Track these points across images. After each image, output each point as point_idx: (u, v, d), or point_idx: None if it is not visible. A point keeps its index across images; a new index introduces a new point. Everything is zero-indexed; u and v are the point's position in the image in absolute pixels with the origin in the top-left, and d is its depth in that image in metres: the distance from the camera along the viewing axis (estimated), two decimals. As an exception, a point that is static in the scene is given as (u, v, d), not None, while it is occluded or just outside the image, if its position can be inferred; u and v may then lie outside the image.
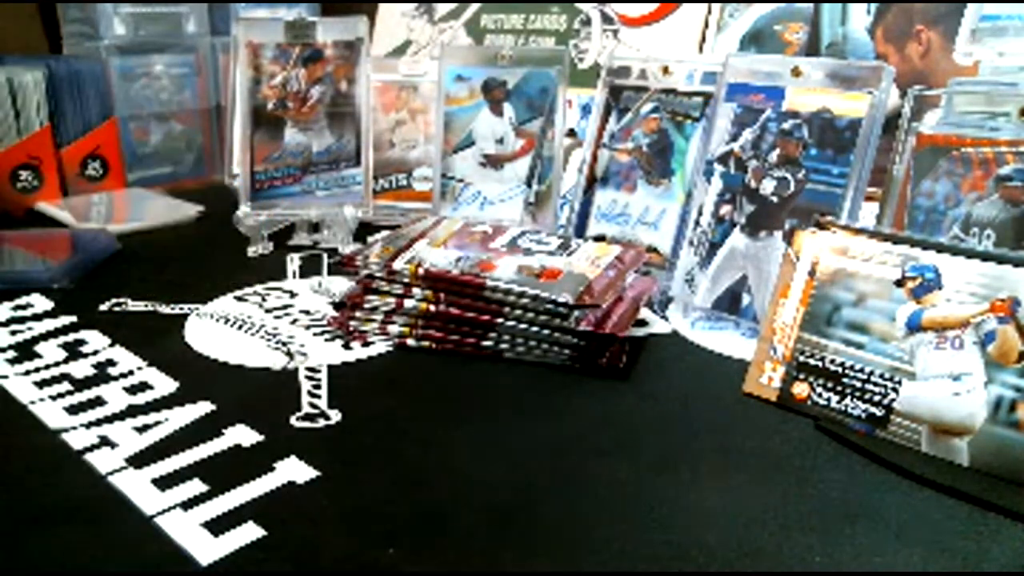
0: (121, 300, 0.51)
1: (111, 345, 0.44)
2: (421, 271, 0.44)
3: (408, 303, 0.44)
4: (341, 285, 0.53)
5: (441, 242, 0.48)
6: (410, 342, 0.45)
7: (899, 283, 0.37)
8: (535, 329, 0.43)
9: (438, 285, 0.44)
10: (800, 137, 0.46)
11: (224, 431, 0.36)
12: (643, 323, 0.49)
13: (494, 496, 0.32)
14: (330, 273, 0.56)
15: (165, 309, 0.50)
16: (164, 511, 0.30)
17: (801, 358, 0.39)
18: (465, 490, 0.33)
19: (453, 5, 0.85)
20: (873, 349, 0.37)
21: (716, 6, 0.68)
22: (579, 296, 0.42)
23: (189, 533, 0.29)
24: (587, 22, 0.76)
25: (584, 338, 0.42)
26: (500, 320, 0.43)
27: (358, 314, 0.46)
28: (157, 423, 0.37)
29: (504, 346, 0.43)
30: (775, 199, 0.47)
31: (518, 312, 0.43)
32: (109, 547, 0.29)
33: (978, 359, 0.35)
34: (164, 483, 0.32)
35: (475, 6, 0.83)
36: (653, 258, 0.54)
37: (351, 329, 0.46)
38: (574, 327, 0.42)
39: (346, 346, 0.45)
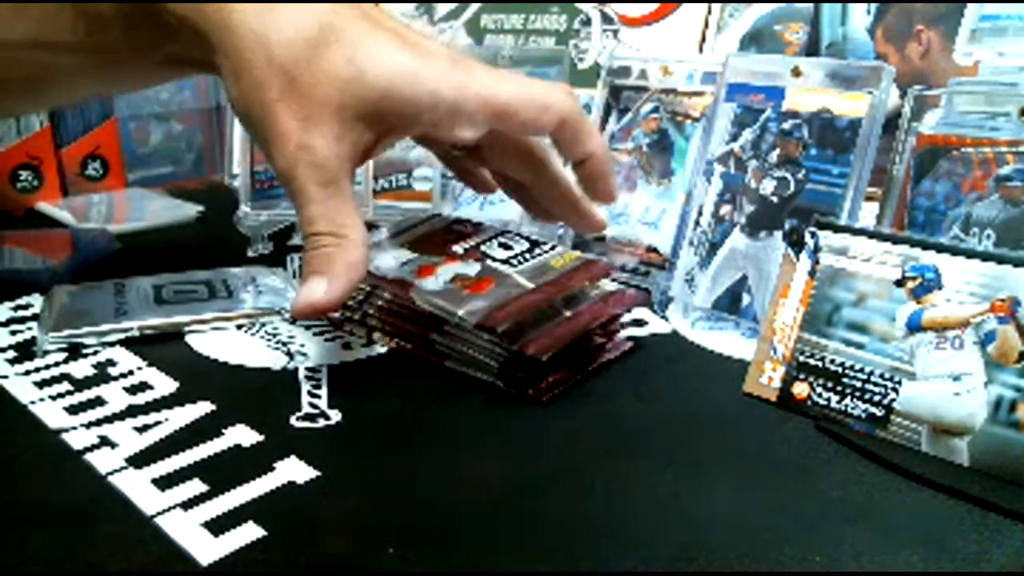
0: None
1: (111, 345, 0.44)
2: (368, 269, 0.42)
3: (368, 303, 0.44)
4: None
5: (409, 241, 0.46)
6: (376, 335, 0.45)
7: (899, 283, 0.37)
8: (465, 346, 0.41)
9: (377, 286, 0.43)
10: (800, 137, 0.46)
11: (224, 431, 0.36)
12: (643, 323, 0.49)
13: (494, 495, 0.32)
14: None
15: (165, 309, 0.50)
16: (164, 511, 0.30)
17: (801, 358, 0.39)
18: (465, 489, 0.33)
19: (453, 5, 0.85)
20: (873, 349, 0.37)
21: (716, 6, 0.68)
22: (487, 315, 0.39)
23: (189, 533, 0.29)
24: (587, 22, 0.76)
25: (501, 353, 0.40)
26: (444, 327, 0.41)
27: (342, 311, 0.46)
28: (157, 423, 0.37)
29: (447, 352, 0.42)
30: (775, 199, 0.47)
31: (446, 327, 0.41)
32: (109, 547, 0.29)
33: (978, 359, 0.35)
34: (164, 483, 0.32)
35: (475, 6, 0.83)
36: (653, 258, 0.54)
37: (340, 323, 0.46)
38: (490, 344, 0.40)
39: (346, 346, 0.45)
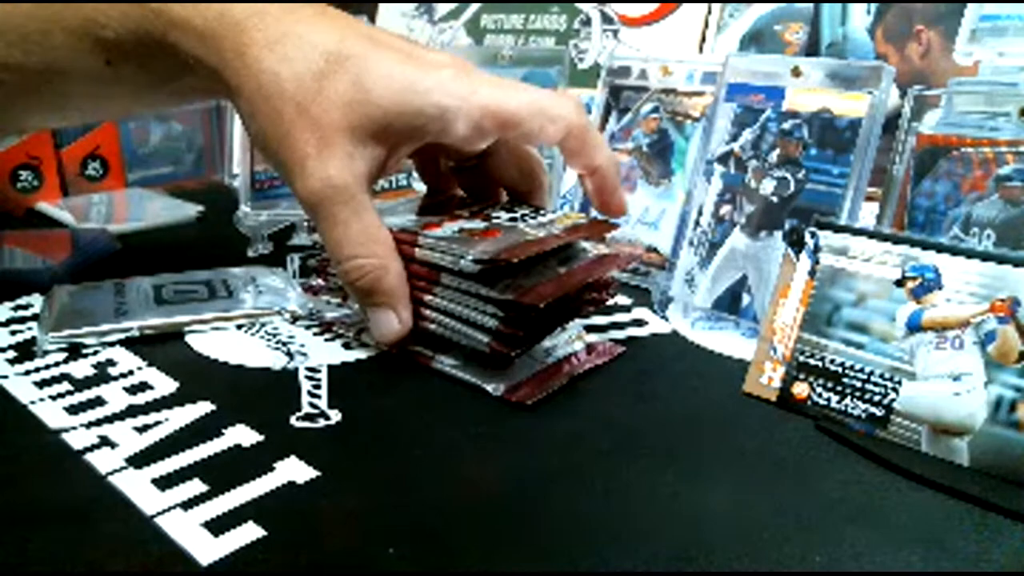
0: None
1: (111, 345, 0.44)
2: None
3: None
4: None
5: (411, 209, 0.46)
6: (364, 336, 0.44)
7: (899, 283, 0.37)
8: (459, 306, 0.40)
9: None
10: (800, 137, 0.46)
11: (224, 431, 0.36)
12: (643, 323, 0.49)
13: (494, 495, 0.32)
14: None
15: (165, 309, 0.50)
16: (164, 511, 0.30)
17: (801, 358, 0.39)
18: (465, 489, 0.33)
19: (453, 5, 0.85)
20: (873, 349, 0.37)
21: (716, 6, 0.68)
22: (499, 253, 0.38)
23: (189, 533, 0.29)
24: (587, 22, 0.76)
25: (495, 312, 0.39)
26: (434, 290, 0.41)
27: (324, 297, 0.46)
28: (157, 423, 0.37)
29: (436, 320, 0.41)
30: (775, 199, 0.47)
31: (448, 279, 0.40)
32: (109, 547, 0.29)
33: (978, 359, 0.35)
34: (164, 483, 0.32)
35: (475, 6, 0.83)
36: (653, 258, 0.54)
37: (330, 324, 0.46)
38: (488, 294, 0.39)
39: (346, 346, 0.45)
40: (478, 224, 0.42)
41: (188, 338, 0.45)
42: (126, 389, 0.40)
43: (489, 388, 0.40)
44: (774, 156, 0.47)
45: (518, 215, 0.44)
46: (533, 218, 0.44)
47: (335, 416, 0.38)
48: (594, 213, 0.46)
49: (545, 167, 0.47)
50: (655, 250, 0.54)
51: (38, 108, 0.47)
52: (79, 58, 0.42)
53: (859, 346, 0.38)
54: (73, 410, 0.38)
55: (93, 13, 0.40)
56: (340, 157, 0.38)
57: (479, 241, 0.40)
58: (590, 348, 0.44)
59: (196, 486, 0.32)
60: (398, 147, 0.41)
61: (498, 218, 0.43)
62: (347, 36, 0.39)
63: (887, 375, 0.37)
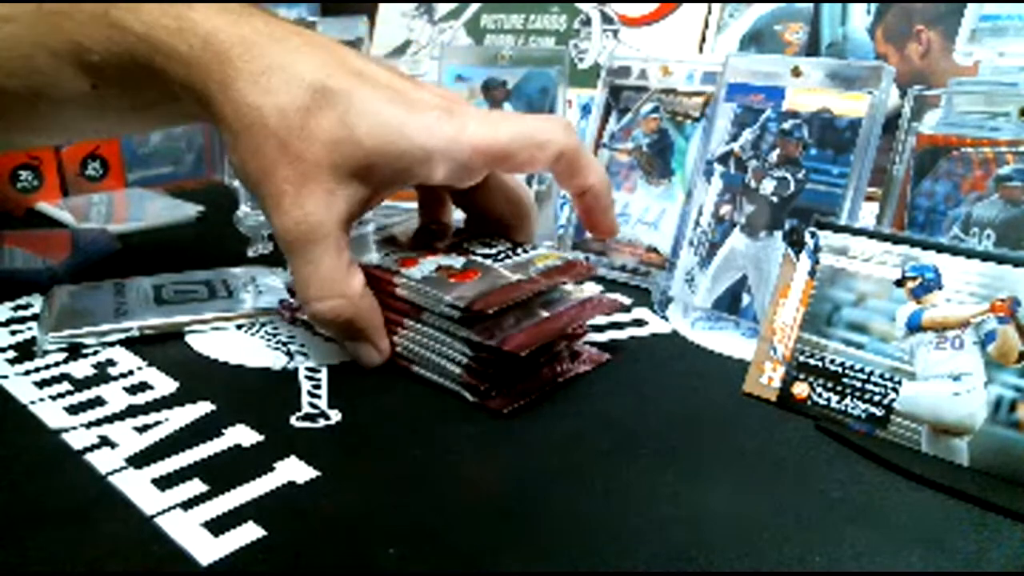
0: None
1: (111, 345, 0.44)
2: None
3: None
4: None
5: (387, 237, 0.46)
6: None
7: (899, 283, 0.37)
8: (434, 339, 0.40)
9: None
10: (800, 137, 0.46)
11: (224, 431, 0.36)
12: (643, 323, 0.49)
13: (494, 495, 0.32)
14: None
15: (165, 309, 0.50)
16: (164, 511, 0.30)
17: (801, 358, 0.39)
18: (465, 489, 0.33)
19: (453, 5, 0.85)
20: (873, 349, 0.37)
21: (716, 6, 0.69)
22: (475, 300, 0.38)
23: (189, 533, 0.29)
24: (587, 22, 0.76)
25: (471, 354, 0.39)
26: (410, 323, 0.41)
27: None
28: (157, 423, 0.37)
29: (411, 351, 0.41)
30: (775, 199, 0.47)
31: (426, 316, 0.40)
32: (109, 547, 0.29)
33: (978, 359, 0.35)
34: (164, 483, 0.32)
35: (475, 6, 0.83)
36: (653, 258, 0.54)
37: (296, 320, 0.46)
38: (469, 336, 0.39)
39: (346, 346, 0.45)
40: (456, 261, 0.42)
41: (188, 338, 0.45)
42: (126, 389, 0.40)
43: (466, 394, 0.39)
44: (774, 156, 0.47)
45: (494, 252, 0.43)
46: (509, 257, 0.43)
47: (335, 416, 0.38)
48: (582, 239, 0.45)
49: (532, 198, 0.47)
50: (655, 250, 0.54)
51: (23, 129, 0.47)
52: (64, 82, 0.41)
53: (859, 346, 0.38)
54: (73, 410, 0.38)
55: (78, 37, 0.40)
56: (319, 194, 0.38)
57: (455, 285, 0.39)
58: (575, 355, 0.44)
59: (196, 486, 0.32)
60: (382, 188, 0.40)
61: (475, 255, 0.43)
62: (334, 71, 0.39)
63: (887, 375, 0.37)
